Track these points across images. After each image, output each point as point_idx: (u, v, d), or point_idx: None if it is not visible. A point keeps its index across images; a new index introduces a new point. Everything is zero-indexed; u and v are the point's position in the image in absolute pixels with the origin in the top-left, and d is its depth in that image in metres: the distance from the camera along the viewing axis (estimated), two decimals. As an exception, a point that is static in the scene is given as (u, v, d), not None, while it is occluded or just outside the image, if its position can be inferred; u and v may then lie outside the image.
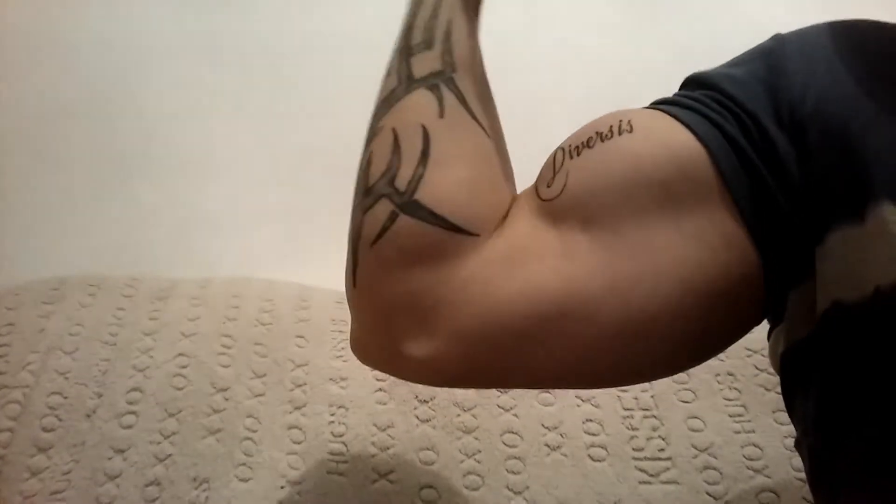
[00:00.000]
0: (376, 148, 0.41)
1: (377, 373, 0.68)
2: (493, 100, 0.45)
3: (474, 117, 0.41)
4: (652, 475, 0.61)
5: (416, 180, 0.38)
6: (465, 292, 0.37)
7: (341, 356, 0.69)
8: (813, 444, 0.37)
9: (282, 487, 0.61)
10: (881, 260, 0.31)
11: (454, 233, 0.38)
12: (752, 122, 0.36)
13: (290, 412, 0.65)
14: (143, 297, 0.73)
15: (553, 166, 0.39)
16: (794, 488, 0.59)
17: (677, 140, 0.36)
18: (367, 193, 0.40)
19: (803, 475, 0.42)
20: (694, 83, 0.41)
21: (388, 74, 0.43)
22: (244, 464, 0.62)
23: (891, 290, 0.31)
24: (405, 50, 0.43)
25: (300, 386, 0.67)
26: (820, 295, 0.34)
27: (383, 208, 0.38)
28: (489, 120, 0.43)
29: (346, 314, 0.76)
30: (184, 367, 0.67)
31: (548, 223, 0.38)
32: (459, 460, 0.62)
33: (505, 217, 0.40)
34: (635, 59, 1.02)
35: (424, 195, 0.38)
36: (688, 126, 0.37)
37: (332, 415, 0.65)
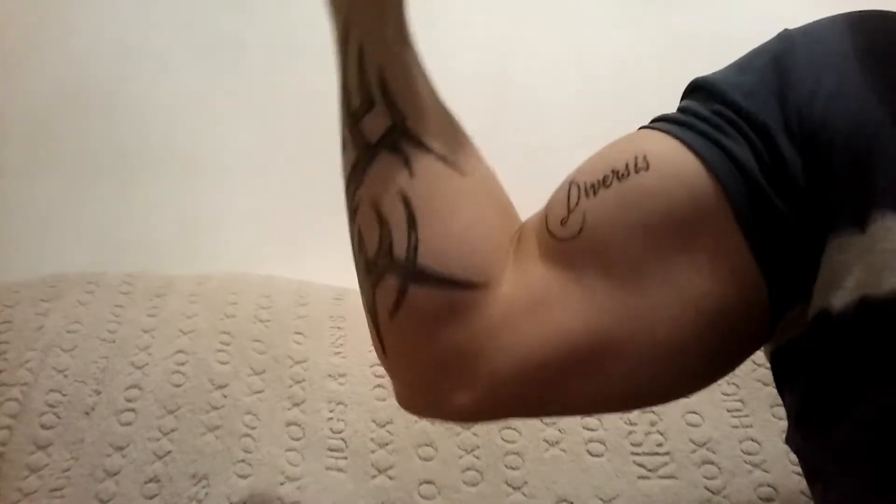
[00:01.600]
0: (363, 225, 0.40)
1: (376, 369, 0.68)
2: (455, 119, 0.43)
3: (445, 161, 0.40)
4: (650, 470, 0.62)
5: (412, 248, 0.38)
6: (495, 341, 0.38)
7: (340, 352, 0.69)
8: (793, 437, 0.39)
9: (281, 484, 0.61)
10: (872, 269, 0.32)
11: (466, 289, 0.38)
12: (763, 137, 0.36)
13: (289, 409, 0.65)
14: (141, 295, 0.73)
15: (567, 203, 0.39)
16: (792, 483, 0.59)
17: (692, 175, 0.36)
18: (369, 270, 0.40)
19: (801, 469, 0.42)
20: (702, 92, 0.40)
21: (345, 147, 0.42)
22: (243, 460, 0.62)
23: (879, 301, 0.31)
24: (350, 118, 0.41)
25: (299, 382, 0.67)
26: (813, 299, 0.35)
27: (391, 283, 0.39)
28: (459, 150, 0.41)
29: (344, 310, 0.76)
30: (182, 363, 0.67)
31: (564, 265, 0.38)
32: (458, 456, 0.62)
33: (516, 249, 0.40)
34: (635, 50, 1.02)
35: (426, 260, 0.38)
36: (702, 158, 0.36)
37: (331, 411, 0.65)
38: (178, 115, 0.98)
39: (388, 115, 0.40)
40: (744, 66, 0.40)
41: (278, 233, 0.94)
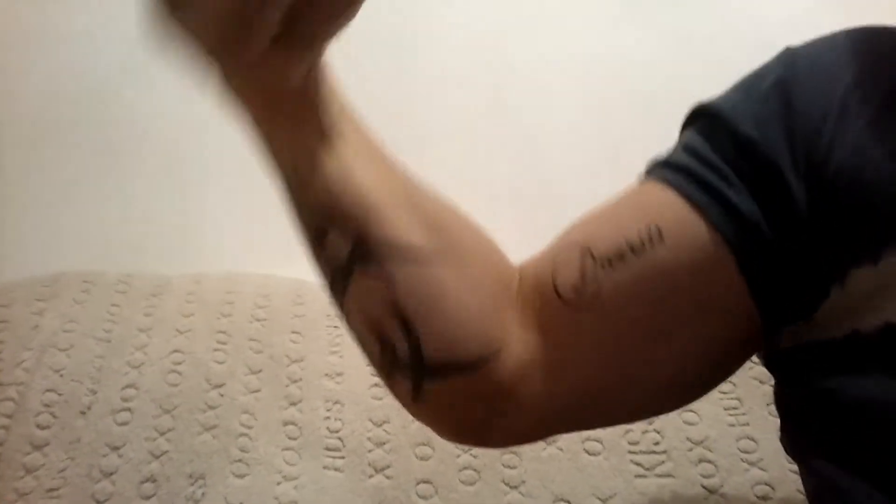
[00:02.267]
0: (358, 336, 0.41)
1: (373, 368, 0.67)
2: (419, 190, 0.40)
3: (420, 255, 0.38)
4: (647, 469, 0.62)
5: (415, 350, 0.38)
6: (522, 393, 0.40)
7: (337, 351, 0.69)
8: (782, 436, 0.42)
9: (278, 483, 0.61)
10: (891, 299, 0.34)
11: (479, 367, 0.39)
12: (772, 176, 0.37)
13: (286, 408, 0.65)
14: (137, 294, 0.73)
15: (581, 272, 0.39)
16: (789, 481, 0.59)
17: (702, 239, 0.38)
18: (381, 371, 0.41)
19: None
20: (708, 121, 0.40)
21: (316, 266, 0.41)
22: (240, 460, 0.61)
23: None
24: (311, 245, 0.40)
25: (296, 382, 0.67)
26: (841, 321, 0.36)
27: (404, 383, 0.39)
28: (432, 231, 0.39)
29: (341, 309, 0.76)
30: (179, 363, 0.67)
31: (574, 329, 0.40)
32: (455, 455, 0.62)
33: (521, 306, 0.41)
34: (633, 52, 1.02)
35: (431, 354, 0.38)
36: (711, 222, 0.37)
37: (328, 410, 0.65)
38: (174, 114, 0.98)
39: (347, 234, 0.38)
40: (748, 90, 0.40)
41: (275, 232, 0.93)
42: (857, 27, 0.41)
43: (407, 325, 0.38)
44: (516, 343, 0.40)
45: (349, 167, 0.38)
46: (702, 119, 0.41)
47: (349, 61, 1.07)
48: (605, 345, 0.39)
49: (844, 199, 0.35)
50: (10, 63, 1.00)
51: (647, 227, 0.38)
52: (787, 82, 0.39)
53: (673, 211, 0.38)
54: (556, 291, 0.39)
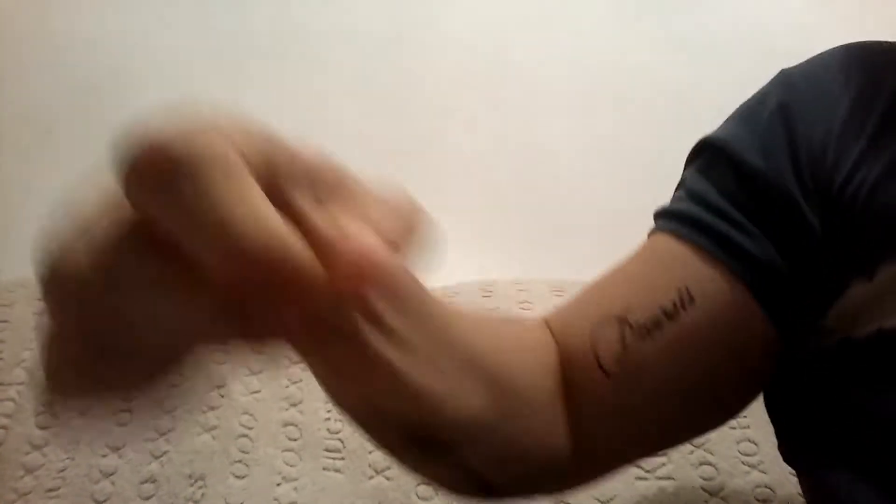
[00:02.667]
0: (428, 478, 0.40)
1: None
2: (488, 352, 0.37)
3: (478, 420, 0.35)
4: (647, 471, 0.61)
5: (489, 487, 0.37)
6: (570, 472, 0.41)
7: (337, 353, 0.69)
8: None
9: (278, 485, 0.60)
10: (888, 307, 0.35)
11: (548, 477, 0.40)
12: (786, 205, 0.38)
13: (286, 409, 0.65)
14: (138, 294, 0.73)
15: (623, 345, 0.39)
16: (789, 483, 0.59)
17: (728, 292, 0.39)
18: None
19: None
20: (713, 154, 0.41)
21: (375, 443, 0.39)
22: (240, 461, 0.61)
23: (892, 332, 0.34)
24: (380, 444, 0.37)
25: (296, 382, 0.67)
26: (835, 329, 0.37)
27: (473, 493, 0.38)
28: (497, 394, 0.36)
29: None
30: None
31: (617, 390, 0.40)
32: (456, 456, 0.62)
33: (566, 395, 0.41)
34: (631, 55, 1.02)
35: (507, 483, 0.37)
36: (735, 275, 0.39)
37: (329, 411, 0.65)
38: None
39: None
40: (750, 119, 0.41)
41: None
42: (849, 45, 0.41)
43: (484, 481, 0.37)
44: (567, 436, 0.40)
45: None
46: (707, 153, 0.42)
47: (345, 65, 1.08)
48: (648, 408, 0.40)
49: (850, 218, 0.36)
50: (8, 65, 1.00)
51: (678, 290, 0.39)
52: (788, 107, 0.39)
53: (695, 268, 0.40)
54: (600, 366, 0.40)
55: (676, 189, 0.45)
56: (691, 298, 0.39)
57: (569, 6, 1.05)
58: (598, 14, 1.05)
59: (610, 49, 1.02)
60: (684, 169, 0.45)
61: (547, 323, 0.43)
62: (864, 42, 0.41)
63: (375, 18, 0.99)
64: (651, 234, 0.44)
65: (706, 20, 1.01)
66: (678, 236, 0.41)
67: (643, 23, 1.03)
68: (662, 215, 0.43)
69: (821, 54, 0.42)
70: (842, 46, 0.41)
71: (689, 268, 0.40)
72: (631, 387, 0.40)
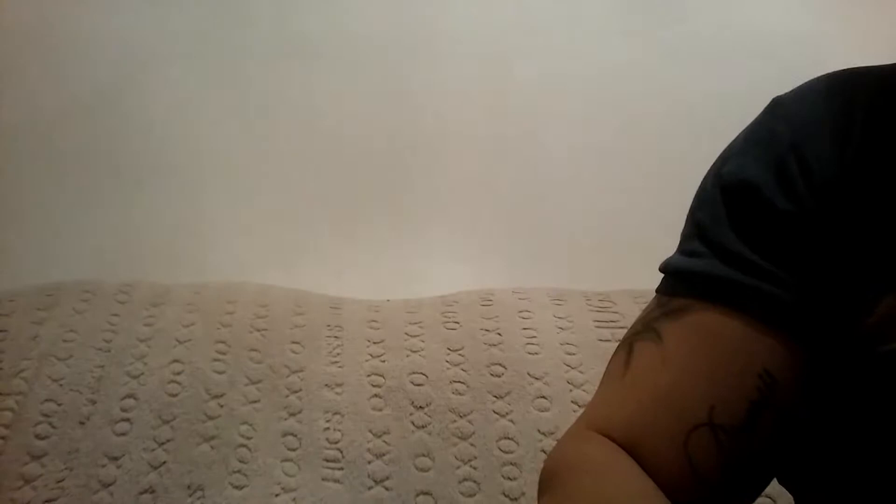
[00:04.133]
0: None
1: (373, 378, 0.67)
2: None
3: None
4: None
5: None
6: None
7: (336, 362, 0.69)
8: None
9: (277, 495, 0.60)
10: None
11: None
12: (823, 243, 0.38)
13: (286, 419, 0.65)
14: (137, 303, 0.73)
15: (721, 450, 0.39)
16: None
17: (796, 360, 0.39)
18: None
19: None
20: (736, 194, 0.41)
21: None
22: (239, 471, 0.61)
23: None
24: None
25: (295, 392, 0.67)
26: (876, 339, 0.37)
27: None
28: None
29: (340, 320, 0.76)
30: (178, 373, 0.66)
31: (714, 494, 0.40)
32: (455, 466, 0.62)
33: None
34: (630, 59, 1.02)
35: None
36: (793, 342, 0.39)
37: (328, 421, 0.65)
38: (174, 124, 0.98)
39: None
40: (769, 159, 0.41)
41: (275, 242, 0.94)
42: (832, 74, 0.42)
43: None
44: None
45: None
46: (730, 192, 0.42)
47: (345, 71, 1.08)
48: (752, 480, 0.41)
49: (862, 242, 0.37)
50: (9, 70, 1.00)
51: (758, 376, 0.39)
52: (798, 146, 0.40)
53: (761, 344, 0.39)
54: (700, 479, 0.39)
55: (694, 231, 0.43)
56: (773, 380, 0.39)
57: (568, 16, 1.06)
58: (596, 24, 1.05)
59: (609, 59, 1.03)
60: (699, 208, 0.44)
61: (625, 448, 0.42)
62: (844, 71, 0.42)
63: (376, 26, 1.00)
64: (683, 295, 0.42)
65: (709, 35, 1.02)
66: (726, 308, 0.40)
67: (642, 32, 1.04)
68: (694, 278, 0.42)
69: (808, 84, 0.42)
70: (823, 77, 0.42)
71: (755, 344, 0.39)
72: (734, 479, 0.40)
